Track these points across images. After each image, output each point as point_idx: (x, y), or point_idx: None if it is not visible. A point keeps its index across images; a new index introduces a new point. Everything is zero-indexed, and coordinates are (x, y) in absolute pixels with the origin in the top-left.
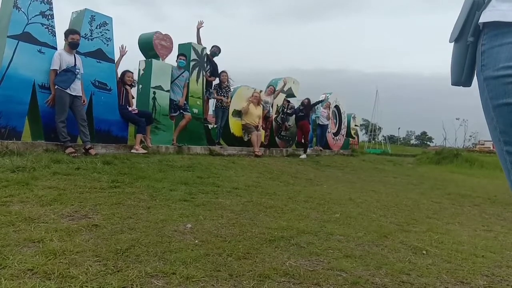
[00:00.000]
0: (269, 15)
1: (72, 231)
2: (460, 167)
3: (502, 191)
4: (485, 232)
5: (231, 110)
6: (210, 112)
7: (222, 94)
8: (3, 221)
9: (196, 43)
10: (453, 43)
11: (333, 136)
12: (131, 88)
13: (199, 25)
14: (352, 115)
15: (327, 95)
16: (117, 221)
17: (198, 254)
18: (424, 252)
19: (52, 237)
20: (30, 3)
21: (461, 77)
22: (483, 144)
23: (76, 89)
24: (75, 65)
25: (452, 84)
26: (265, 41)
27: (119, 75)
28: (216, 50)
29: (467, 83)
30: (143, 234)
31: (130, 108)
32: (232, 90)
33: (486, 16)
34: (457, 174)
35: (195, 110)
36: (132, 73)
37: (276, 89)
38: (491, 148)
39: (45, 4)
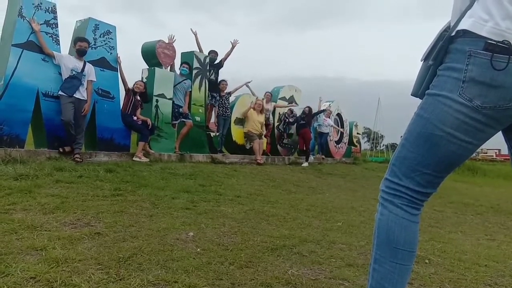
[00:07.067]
0: (265, 24)
1: (74, 239)
2: (463, 176)
3: (505, 199)
4: (488, 241)
5: (233, 118)
6: (212, 120)
7: (222, 102)
8: (6, 229)
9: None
10: (422, 61)
11: (335, 144)
12: (141, 100)
13: (235, 43)
14: (354, 123)
15: (330, 103)
16: (120, 229)
17: (200, 262)
18: (427, 261)
19: (55, 245)
20: (35, 12)
21: (419, 90)
22: (486, 153)
23: (82, 93)
24: (82, 71)
25: (411, 95)
26: (263, 49)
27: (129, 85)
28: (214, 56)
29: (423, 96)
30: (145, 242)
31: (134, 118)
32: (234, 98)
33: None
34: (459, 183)
35: (198, 118)
36: (143, 82)
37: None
38: (494, 157)
39: (49, 13)
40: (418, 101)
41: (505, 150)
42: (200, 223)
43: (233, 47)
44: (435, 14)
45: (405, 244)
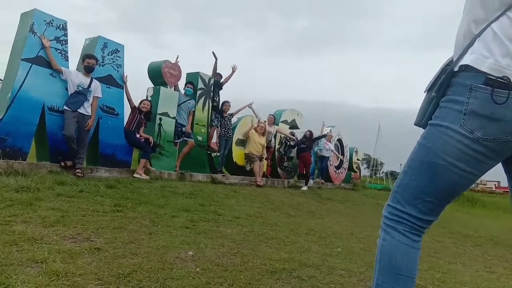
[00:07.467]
0: (267, 48)
1: (74, 253)
2: (463, 206)
3: (505, 232)
4: (487, 273)
5: (234, 139)
6: (214, 140)
7: (224, 123)
8: (6, 240)
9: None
10: (425, 93)
11: (335, 169)
12: (144, 119)
13: (235, 68)
14: (355, 149)
15: (331, 129)
16: (119, 245)
17: (199, 282)
18: None
19: (55, 258)
20: (46, 28)
21: (422, 120)
22: (485, 184)
23: (86, 109)
24: (88, 87)
25: (414, 124)
26: (265, 72)
27: (135, 103)
28: (218, 78)
29: (425, 126)
30: (145, 260)
31: (137, 135)
32: (236, 119)
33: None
34: (460, 213)
35: (200, 138)
36: (149, 101)
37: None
38: (493, 189)
39: (60, 30)
40: (418, 129)
41: (504, 183)
42: (199, 243)
43: (233, 71)
44: (436, 45)
45: (407, 270)
